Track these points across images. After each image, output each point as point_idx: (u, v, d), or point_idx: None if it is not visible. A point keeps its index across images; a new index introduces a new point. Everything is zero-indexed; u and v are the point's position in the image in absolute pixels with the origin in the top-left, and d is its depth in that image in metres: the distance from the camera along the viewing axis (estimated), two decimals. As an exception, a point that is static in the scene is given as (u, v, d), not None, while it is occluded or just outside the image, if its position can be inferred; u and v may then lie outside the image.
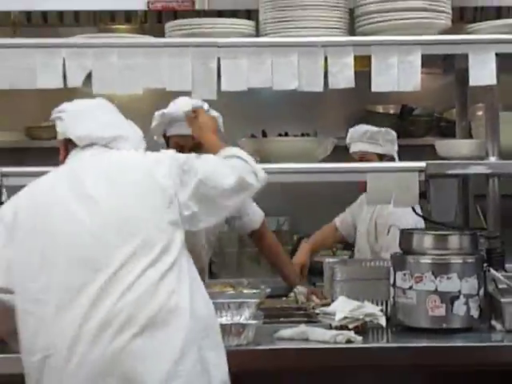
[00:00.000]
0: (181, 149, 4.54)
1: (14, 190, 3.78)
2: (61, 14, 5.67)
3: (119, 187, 3.24)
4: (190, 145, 4.63)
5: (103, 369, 2.97)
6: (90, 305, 2.99)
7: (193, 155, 3.36)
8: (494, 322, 3.81)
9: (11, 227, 3.19)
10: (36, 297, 3.05)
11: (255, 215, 5.12)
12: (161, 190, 3.17)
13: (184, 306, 3.04)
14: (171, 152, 3.43)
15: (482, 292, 3.81)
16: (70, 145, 3.38)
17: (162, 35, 4.11)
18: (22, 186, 3.85)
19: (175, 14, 4.61)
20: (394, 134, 5.31)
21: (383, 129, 5.30)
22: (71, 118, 3.38)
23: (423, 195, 3.96)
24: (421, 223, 4.38)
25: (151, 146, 4.50)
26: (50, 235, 3.15)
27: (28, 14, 5.73)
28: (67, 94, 3.95)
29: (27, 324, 3.03)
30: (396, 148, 5.30)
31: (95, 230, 3.12)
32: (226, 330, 3.50)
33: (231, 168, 3.29)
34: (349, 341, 3.53)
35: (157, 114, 4.76)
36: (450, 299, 3.69)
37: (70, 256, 3.09)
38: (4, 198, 3.97)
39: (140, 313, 2.98)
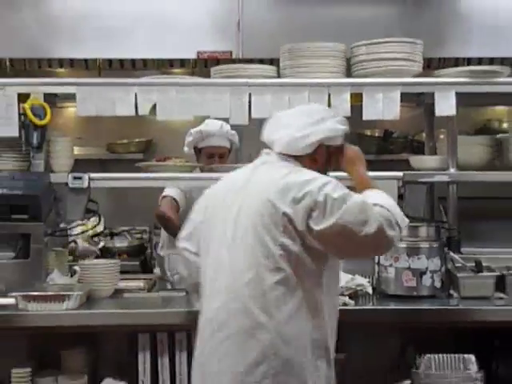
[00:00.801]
0: (212, 156, 4.80)
1: (98, 190, 4.09)
2: (133, 61, 5.84)
3: None
4: (219, 153, 4.91)
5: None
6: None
7: (342, 197, 2.88)
8: (452, 291, 4.02)
9: (204, 208, 3.28)
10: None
11: None
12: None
13: None
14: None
15: (443, 269, 3.99)
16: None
17: (208, 76, 4.29)
18: (103, 188, 4.22)
19: (217, 61, 4.75)
20: None
21: None
22: None
23: (400, 197, 4.07)
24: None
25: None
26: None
27: (109, 61, 5.90)
28: (137, 119, 4.31)
29: (204, 280, 3.09)
30: None
31: None
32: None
33: (373, 217, 2.90)
34: (344, 304, 3.71)
35: (193, 130, 4.92)
36: (419, 274, 3.89)
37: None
38: (91, 195, 4.04)
39: None
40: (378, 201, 3.01)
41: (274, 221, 2.89)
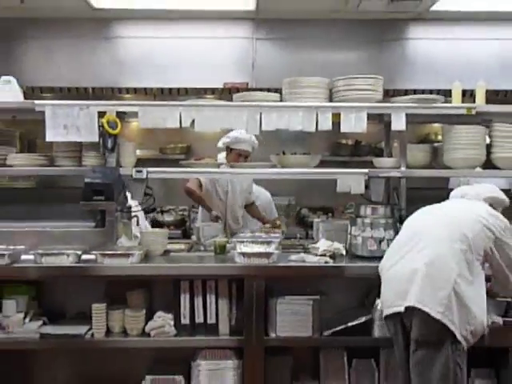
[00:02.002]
0: (239, 156, 4.85)
1: (152, 180, 4.10)
2: (178, 89, 5.87)
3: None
4: (245, 155, 4.94)
5: None
6: None
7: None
8: None
9: None
10: None
11: (251, 198, 5.45)
12: None
13: None
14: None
15: (393, 235, 3.81)
16: None
17: (231, 100, 4.25)
18: (156, 178, 4.14)
19: (237, 90, 4.75)
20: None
21: None
22: None
23: (366, 187, 4.06)
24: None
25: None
26: None
27: (161, 89, 5.96)
28: (180, 130, 4.25)
29: None
30: None
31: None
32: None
33: None
34: (326, 262, 3.72)
35: (231, 135, 4.96)
36: (379, 241, 3.86)
37: None
38: (148, 183, 4.09)
39: None
40: None
41: None
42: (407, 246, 3.24)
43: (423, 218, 3.37)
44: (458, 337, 2.99)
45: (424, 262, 3.06)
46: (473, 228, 3.13)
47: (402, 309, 3.08)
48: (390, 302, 3.19)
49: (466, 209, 3.30)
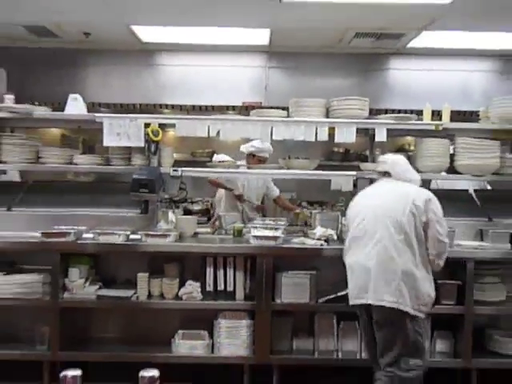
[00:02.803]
0: (259, 162, 4.80)
1: (186, 177, 4.12)
2: (206, 106, 5.84)
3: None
4: (263, 160, 4.88)
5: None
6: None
7: None
8: None
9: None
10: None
11: (275, 192, 5.25)
12: None
13: None
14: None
15: None
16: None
17: (248, 115, 4.24)
18: (189, 176, 4.16)
19: (253, 107, 4.68)
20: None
21: None
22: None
23: (355, 186, 4.03)
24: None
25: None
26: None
27: (193, 106, 5.92)
28: (208, 139, 4.24)
29: None
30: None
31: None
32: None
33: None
34: (321, 244, 3.69)
35: (255, 144, 4.85)
36: None
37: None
38: (182, 180, 4.14)
39: None
40: None
41: None
42: (362, 241, 3.11)
43: (367, 212, 3.14)
44: (412, 313, 2.96)
45: (375, 260, 3.00)
46: (407, 214, 2.97)
47: (363, 301, 3.06)
48: (354, 294, 3.12)
49: (397, 194, 3.10)
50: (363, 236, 3.09)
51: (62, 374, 1.21)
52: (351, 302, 3.16)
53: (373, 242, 3.03)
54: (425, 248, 3.02)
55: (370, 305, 3.04)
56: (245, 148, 5.00)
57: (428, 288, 3.01)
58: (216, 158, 4.58)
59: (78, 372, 1.22)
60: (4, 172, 4.66)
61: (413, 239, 2.97)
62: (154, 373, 1.19)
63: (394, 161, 3.27)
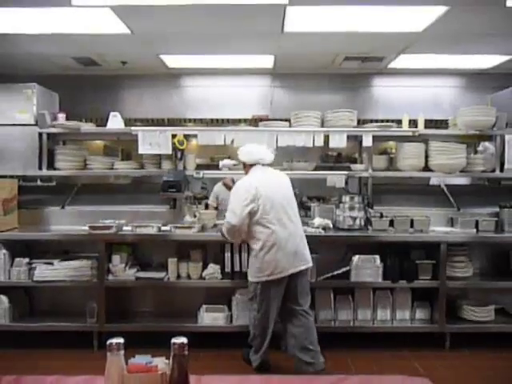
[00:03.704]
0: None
1: (207, 179, 4.16)
2: (222, 119, 5.80)
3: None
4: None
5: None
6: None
7: None
8: (368, 227, 3.82)
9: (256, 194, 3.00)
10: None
11: None
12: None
13: None
14: None
15: (365, 216, 3.84)
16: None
17: (257, 126, 4.19)
18: (209, 177, 4.16)
19: (261, 120, 4.55)
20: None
21: None
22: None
23: (346, 183, 4.01)
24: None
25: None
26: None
27: (211, 119, 5.87)
28: (224, 146, 4.16)
29: None
30: None
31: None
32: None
33: None
34: (320, 232, 3.70)
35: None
36: (354, 218, 3.80)
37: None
38: (203, 180, 4.22)
39: None
40: None
41: None
42: (282, 220, 3.06)
43: (275, 198, 3.06)
44: None
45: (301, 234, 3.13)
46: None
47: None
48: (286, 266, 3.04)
49: (282, 180, 3.21)
50: (284, 213, 3.18)
51: (109, 341, 1.21)
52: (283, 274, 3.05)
53: (289, 220, 3.17)
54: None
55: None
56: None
57: None
58: (221, 163, 4.48)
59: (121, 340, 1.22)
60: (51, 180, 4.67)
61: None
62: (184, 340, 1.18)
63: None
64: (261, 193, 3.01)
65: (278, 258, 2.98)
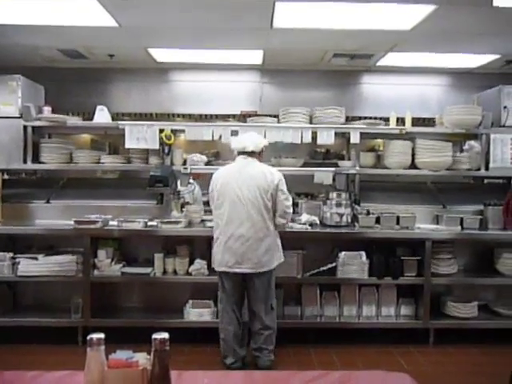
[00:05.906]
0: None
1: (194, 174, 4.04)
2: (211, 115, 5.75)
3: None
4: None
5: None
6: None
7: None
8: (355, 223, 3.82)
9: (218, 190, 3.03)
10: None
11: None
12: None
13: None
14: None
15: (351, 213, 3.85)
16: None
17: (246, 122, 4.18)
18: (197, 172, 4.05)
19: (250, 115, 4.53)
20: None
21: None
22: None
23: (334, 180, 4.01)
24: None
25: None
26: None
27: (200, 115, 5.82)
28: (213, 142, 4.14)
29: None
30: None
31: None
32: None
33: None
34: (307, 228, 3.69)
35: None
36: (341, 215, 3.78)
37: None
38: (191, 175, 4.03)
39: None
40: None
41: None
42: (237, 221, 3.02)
43: (236, 195, 3.02)
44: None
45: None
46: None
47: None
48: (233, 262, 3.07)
49: (258, 179, 3.07)
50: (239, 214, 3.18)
51: (89, 336, 1.20)
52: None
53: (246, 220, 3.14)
54: None
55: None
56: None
57: None
58: (190, 157, 4.34)
59: (101, 335, 1.20)
60: (35, 173, 4.60)
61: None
62: (165, 335, 1.17)
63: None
64: (217, 187, 3.06)
65: (222, 251, 3.02)
